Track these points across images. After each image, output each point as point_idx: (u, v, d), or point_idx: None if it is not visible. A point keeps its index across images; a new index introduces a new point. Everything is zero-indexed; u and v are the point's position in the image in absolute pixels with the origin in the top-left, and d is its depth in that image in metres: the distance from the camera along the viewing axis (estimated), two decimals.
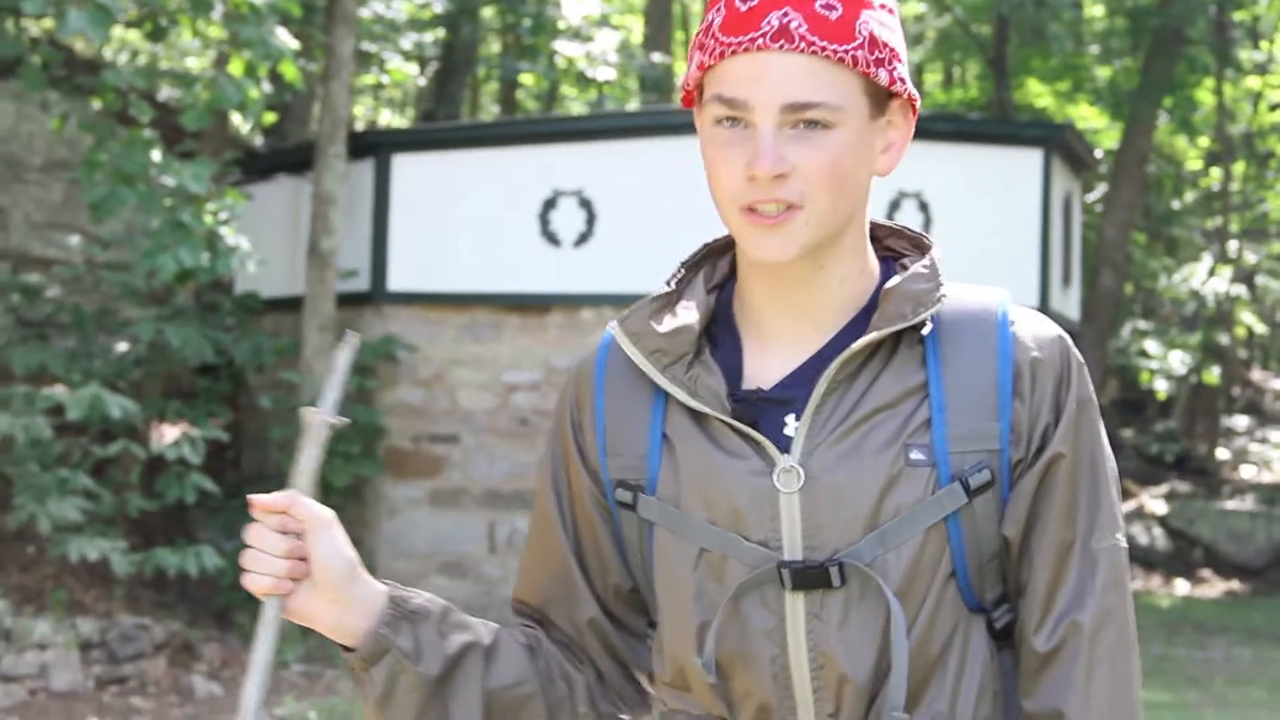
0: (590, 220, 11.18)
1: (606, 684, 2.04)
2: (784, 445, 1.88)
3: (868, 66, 1.83)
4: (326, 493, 10.67)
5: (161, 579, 10.21)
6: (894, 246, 2.01)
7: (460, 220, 11.28)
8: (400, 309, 11.22)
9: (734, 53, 1.83)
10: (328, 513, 1.86)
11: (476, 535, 11.18)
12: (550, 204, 11.21)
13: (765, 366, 1.94)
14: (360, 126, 17.64)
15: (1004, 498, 1.90)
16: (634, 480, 1.96)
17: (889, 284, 1.91)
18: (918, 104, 1.93)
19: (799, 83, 1.80)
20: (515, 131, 12.53)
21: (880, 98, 1.87)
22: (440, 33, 16.68)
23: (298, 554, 1.85)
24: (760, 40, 1.81)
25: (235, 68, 9.46)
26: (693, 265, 2.04)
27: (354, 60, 11.72)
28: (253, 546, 1.84)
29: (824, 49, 1.80)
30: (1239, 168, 20.21)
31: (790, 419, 1.90)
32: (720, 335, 1.98)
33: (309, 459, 1.87)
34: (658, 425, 1.96)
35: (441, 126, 14.01)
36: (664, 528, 1.93)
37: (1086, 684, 1.88)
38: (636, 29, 21.97)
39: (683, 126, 11.38)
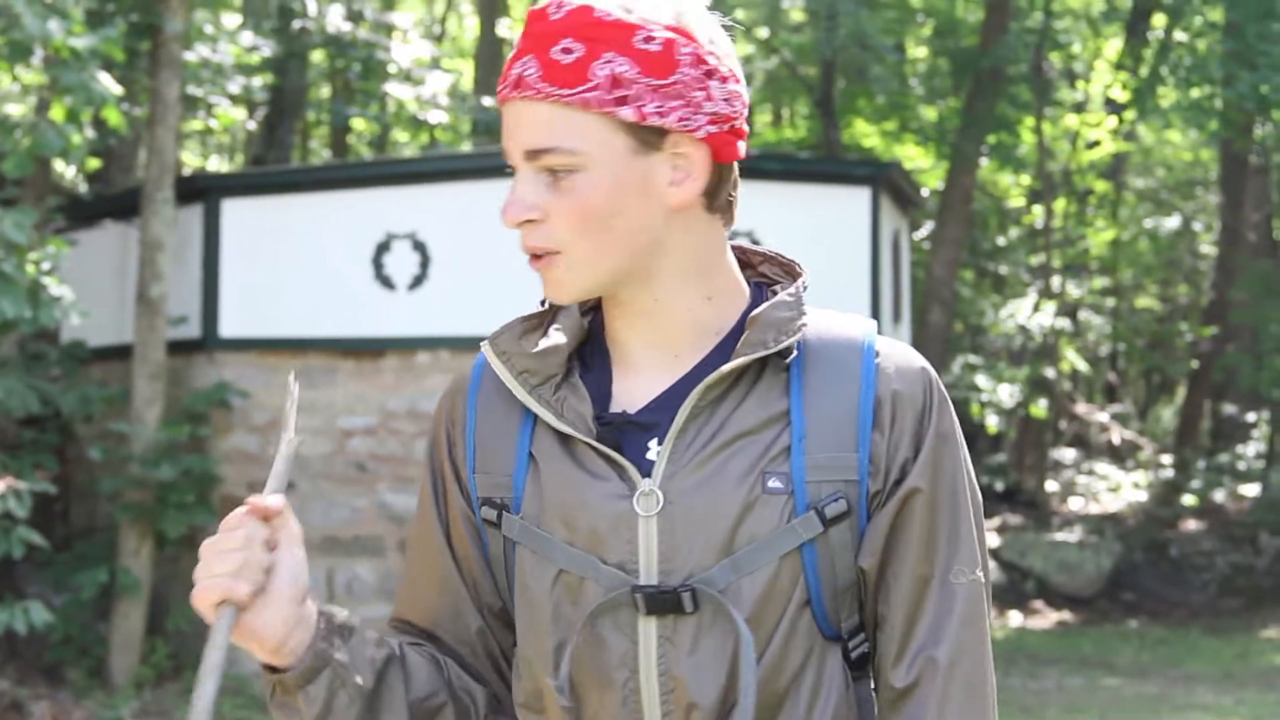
0: (424, 263, 11.13)
1: (497, 699, 2.05)
2: (646, 469, 1.89)
3: (603, 106, 1.84)
4: (160, 544, 10.48)
5: None
6: (767, 272, 2.03)
7: (292, 265, 11.17)
8: (233, 355, 11.06)
9: (500, 103, 1.90)
10: (300, 527, 1.85)
11: (314, 582, 11.00)
12: (384, 247, 11.15)
13: (632, 390, 1.96)
14: (188, 172, 17.40)
15: (862, 529, 1.90)
16: (500, 499, 1.97)
17: (755, 312, 1.93)
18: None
19: (534, 130, 1.85)
20: (347, 175, 12.45)
21: (652, 132, 1.87)
22: (269, 77, 16.54)
23: (267, 566, 1.80)
24: (505, 90, 1.89)
25: (57, 113, 9.29)
26: None
27: (180, 105, 11.57)
28: (233, 550, 1.77)
29: (552, 94, 1.85)
30: (1060, 205, 20.68)
31: (654, 443, 1.91)
32: (591, 358, 2.00)
33: (284, 470, 1.86)
34: (525, 444, 1.96)
35: (271, 170, 13.87)
36: (525, 547, 1.93)
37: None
38: (467, 72, 21.97)
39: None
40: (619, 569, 1.88)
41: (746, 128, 1.95)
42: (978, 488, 1.98)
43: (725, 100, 1.90)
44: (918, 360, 1.97)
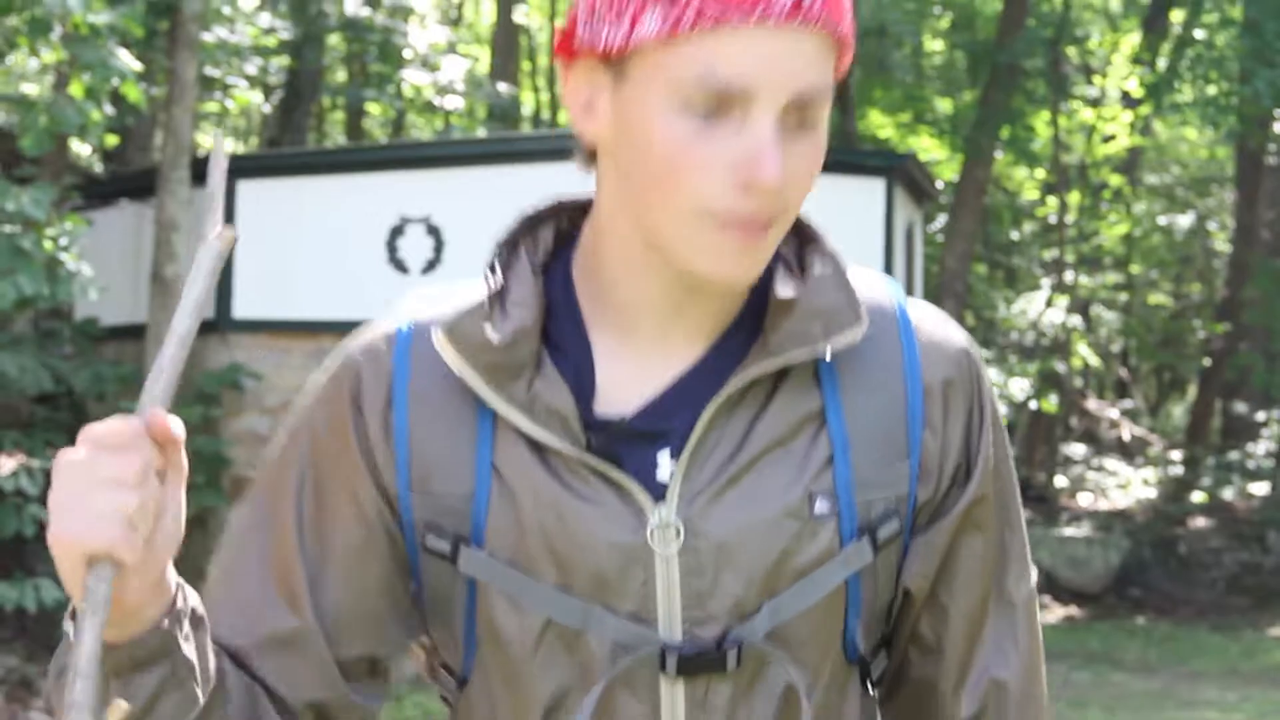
0: (438, 247, 11.14)
1: None
2: (657, 492, 1.49)
3: (844, 51, 1.46)
4: None
5: None
6: None
7: (306, 247, 11.18)
8: (245, 337, 11.08)
9: (730, 24, 1.37)
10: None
11: None
12: (398, 231, 11.16)
13: (626, 382, 1.52)
14: (204, 153, 17.43)
15: (905, 543, 1.57)
16: (452, 527, 1.51)
17: (783, 292, 1.52)
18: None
19: (808, 70, 1.40)
20: (362, 158, 12.45)
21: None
22: (285, 59, 16.55)
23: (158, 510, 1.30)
24: (775, 16, 1.37)
25: (76, 90, 9.31)
26: (512, 244, 1.59)
27: (197, 85, 11.58)
28: (128, 485, 1.25)
29: (834, 30, 1.42)
30: (1074, 198, 20.65)
31: (664, 458, 1.50)
32: (560, 334, 1.55)
33: (197, 296, 1.41)
34: (485, 456, 1.51)
35: (287, 152, 13.88)
36: (496, 590, 1.50)
37: None
38: (484, 58, 21.97)
39: (530, 154, 11.39)
40: (633, 619, 1.48)
41: None
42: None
43: None
44: (958, 333, 1.61)
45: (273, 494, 1.57)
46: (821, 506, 1.49)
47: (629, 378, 1.52)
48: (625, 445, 1.49)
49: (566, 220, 1.61)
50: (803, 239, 1.59)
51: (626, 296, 1.53)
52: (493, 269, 1.55)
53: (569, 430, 1.47)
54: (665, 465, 1.49)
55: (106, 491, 1.24)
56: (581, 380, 1.52)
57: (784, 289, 1.52)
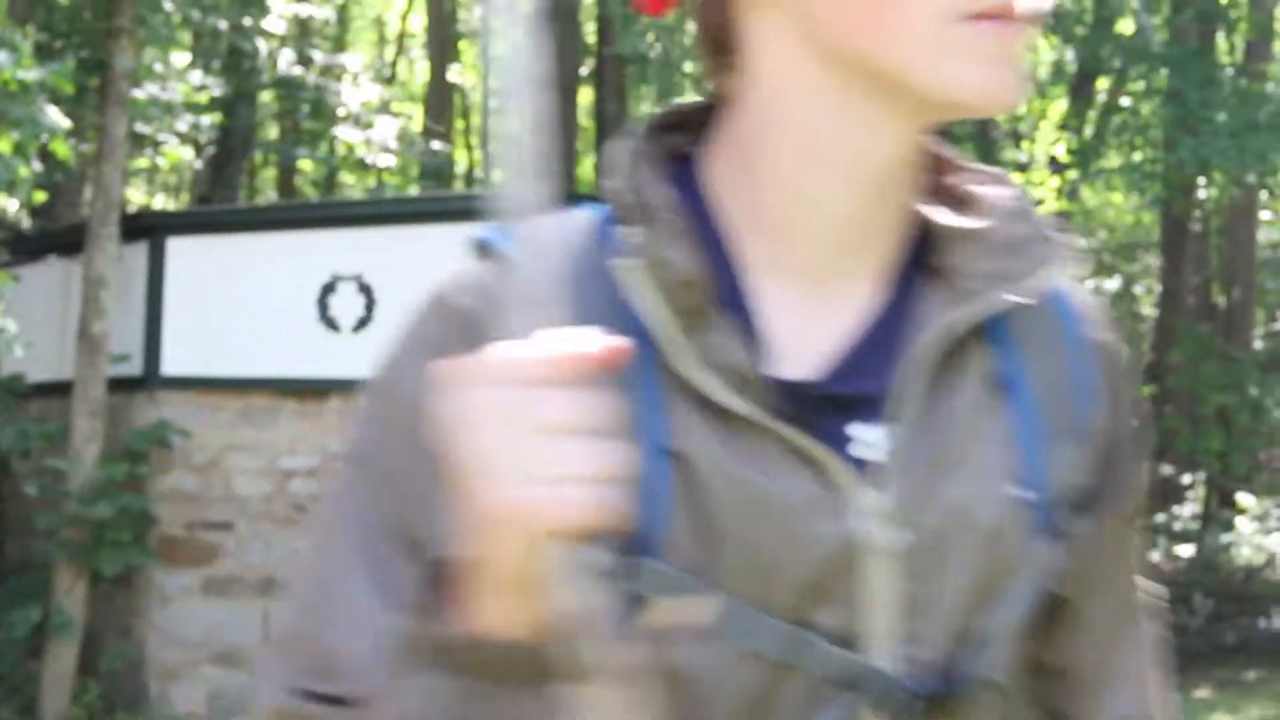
0: (369, 305, 11.11)
1: None
2: (859, 472, 1.17)
3: None
4: (95, 582, 10.38)
5: None
6: None
7: (237, 304, 11.13)
8: (174, 394, 11.00)
9: None
10: None
11: (250, 624, 10.95)
12: (329, 289, 11.13)
13: (795, 332, 1.20)
14: (134, 209, 17.34)
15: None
16: (618, 534, 1.02)
17: (958, 220, 1.23)
18: None
19: None
20: (294, 216, 12.43)
21: None
22: (217, 116, 16.51)
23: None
24: None
25: (4, 146, 9.25)
26: (641, 157, 1.23)
27: (128, 142, 11.53)
28: (589, 439, 0.94)
29: None
30: None
31: (861, 430, 1.18)
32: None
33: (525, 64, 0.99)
34: (655, 435, 1.14)
35: (218, 209, 13.84)
36: None
37: None
38: (417, 117, 21.98)
39: (463, 212, 11.39)
40: (839, 642, 1.14)
41: None
42: None
43: None
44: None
45: (358, 531, 1.22)
46: (1017, 491, 1.19)
47: (799, 326, 1.20)
48: (812, 414, 1.16)
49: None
50: (940, 167, 1.28)
51: (798, 201, 1.20)
52: (636, 190, 1.19)
53: (757, 395, 1.14)
54: (869, 438, 1.17)
55: (561, 441, 0.93)
56: (745, 332, 1.18)
57: (953, 218, 1.23)
